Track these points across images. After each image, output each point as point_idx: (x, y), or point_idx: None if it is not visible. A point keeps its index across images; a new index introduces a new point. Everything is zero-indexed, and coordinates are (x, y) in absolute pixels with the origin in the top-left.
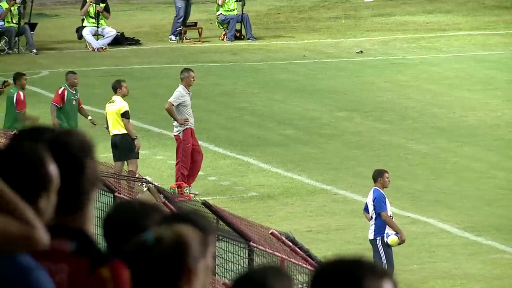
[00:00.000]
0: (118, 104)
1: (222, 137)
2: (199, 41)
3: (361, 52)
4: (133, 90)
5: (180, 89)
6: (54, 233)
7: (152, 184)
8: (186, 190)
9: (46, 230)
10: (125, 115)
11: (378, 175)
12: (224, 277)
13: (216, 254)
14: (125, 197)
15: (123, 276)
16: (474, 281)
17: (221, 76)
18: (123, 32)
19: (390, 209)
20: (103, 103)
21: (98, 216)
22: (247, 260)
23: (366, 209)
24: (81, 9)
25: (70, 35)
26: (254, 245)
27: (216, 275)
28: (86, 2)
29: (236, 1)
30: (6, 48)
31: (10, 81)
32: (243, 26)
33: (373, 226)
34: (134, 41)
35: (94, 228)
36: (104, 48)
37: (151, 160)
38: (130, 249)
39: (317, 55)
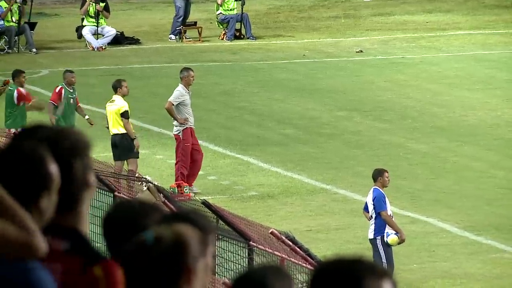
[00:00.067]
0: (118, 104)
1: (221, 136)
2: (199, 40)
3: (361, 51)
4: (133, 90)
5: (180, 88)
6: (48, 232)
7: (152, 183)
8: (186, 189)
9: (44, 238)
10: (124, 115)
11: (378, 175)
12: (224, 276)
13: (216, 253)
14: (125, 196)
15: (116, 275)
16: (474, 281)
17: (221, 75)
18: (122, 32)
19: (390, 209)
20: (103, 103)
21: (98, 215)
22: (247, 259)
23: (366, 208)
24: (80, 8)
25: (70, 34)
26: (254, 244)
27: (216, 274)
28: (86, 1)
29: (236, 0)
30: (6, 48)
31: (10, 80)
32: (242, 25)
33: (373, 225)
34: (133, 41)
35: (94, 228)
36: (103, 47)
37: (151, 160)
38: (129, 249)
39: (317, 55)
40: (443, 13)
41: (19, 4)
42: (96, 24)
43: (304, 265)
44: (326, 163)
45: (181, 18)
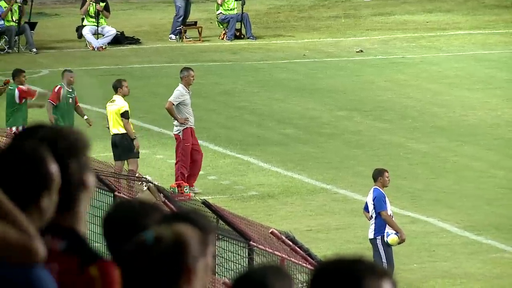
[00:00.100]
0: (118, 104)
1: (222, 136)
2: (199, 40)
3: (361, 51)
4: (133, 89)
5: (180, 88)
6: (45, 232)
7: (152, 183)
8: (186, 189)
9: (42, 239)
10: (124, 115)
11: (378, 174)
12: (224, 276)
13: (216, 253)
14: (125, 196)
15: (112, 275)
16: (474, 280)
17: (221, 75)
18: (123, 31)
19: (390, 208)
20: (103, 102)
21: (98, 215)
22: (247, 259)
23: (366, 208)
24: (81, 8)
25: (70, 34)
26: (254, 244)
27: (216, 274)
28: (86, 1)
29: (236, 0)
30: (6, 47)
31: (10, 80)
32: (243, 25)
33: (373, 225)
34: (134, 40)
35: (94, 228)
36: (104, 47)
37: (151, 159)
38: (129, 249)
39: (317, 54)
40: (443, 13)
41: (19, 4)
42: (96, 24)
43: (304, 265)
44: (326, 163)
45: (181, 18)
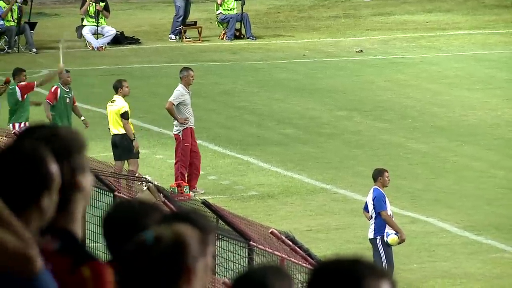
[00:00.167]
0: (118, 104)
1: (221, 136)
2: (199, 40)
3: (361, 51)
4: (133, 89)
5: (180, 88)
6: (40, 232)
7: (151, 183)
8: (185, 189)
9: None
10: (124, 116)
11: (378, 174)
12: (224, 276)
13: (216, 253)
14: (125, 196)
15: (104, 276)
16: (474, 280)
17: (221, 75)
18: (122, 31)
19: (390, 208)
20: (103, 103)
21: (98, 215)
22: (247, 259)
23: (366, 208)
24: (80, 8)
25: (70, 34)
26: (254, 244)
27: (216, 274)
28: (86, 1)
29: (236, 0)
30: (6, 47)
31: (10, 78)
32: (242, 25)
33: (373, 225)
34: (133, 40)
35: (94, 228)
36: (103, 47)
37: (151, 159)
38: (129, 249)
39: (317, 54)
40: (443, 13)
41: (19, 4)
42: (96, 24)
43: (304, 265)
44: (326, 163)
45: (181, 18)
